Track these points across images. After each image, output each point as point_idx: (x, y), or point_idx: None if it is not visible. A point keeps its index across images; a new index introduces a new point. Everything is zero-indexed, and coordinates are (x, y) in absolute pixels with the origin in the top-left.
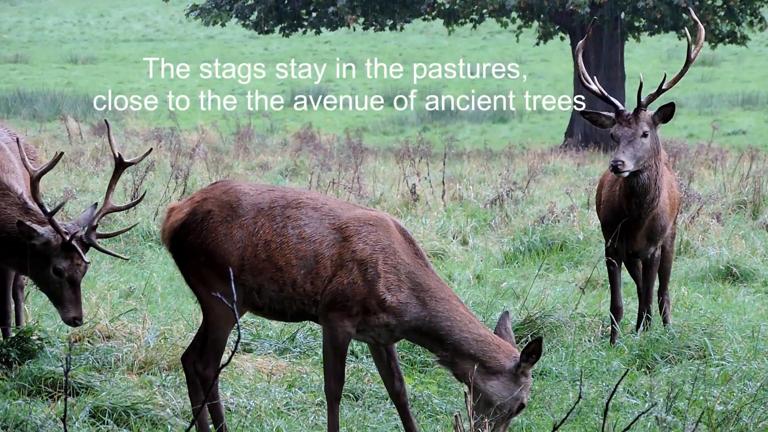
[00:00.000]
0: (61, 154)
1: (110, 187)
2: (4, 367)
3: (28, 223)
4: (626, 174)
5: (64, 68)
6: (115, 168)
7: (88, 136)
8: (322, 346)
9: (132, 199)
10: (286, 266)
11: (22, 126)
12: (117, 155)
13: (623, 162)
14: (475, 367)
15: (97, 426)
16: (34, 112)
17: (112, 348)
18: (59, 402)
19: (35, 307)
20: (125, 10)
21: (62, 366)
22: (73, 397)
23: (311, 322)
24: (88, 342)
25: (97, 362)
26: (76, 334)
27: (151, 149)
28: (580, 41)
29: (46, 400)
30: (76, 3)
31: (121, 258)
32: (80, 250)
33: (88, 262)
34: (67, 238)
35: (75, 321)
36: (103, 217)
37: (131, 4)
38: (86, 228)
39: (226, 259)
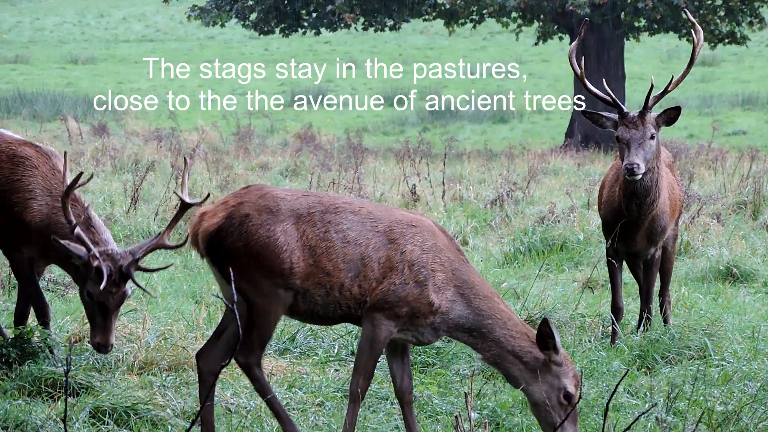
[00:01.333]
0: (80, 174)
1: (170, 226)
2: (4, 367)
3: (63, 242)
4: (639, 176)
5: (64, 68)
6: (179, 209)
7: (88, 137)
8: (359, 344)
9: (132, 200)
10: (333, 270)
11: (22, 126)
12: (181, 197)
13: (638, 165)
14: (519, 367)
15: (98, 426)
16: (34, 112)
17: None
18: (59, 402)
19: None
20: (125, 11)
21: (62, 366)
22: (74, 397)
23: (349, 324)
24: (89, 342)
25: (98, 362)
26: (77, 335)
27: (209, 194)
28: (573, 43)
29: (47, 400)
30: (76, 3)
31: (150, 294)
32: (105, 275)
33: (125, 292)
34: (95, 263)
35: (99, 347)
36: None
37: (131, 4)
38: (128, 258)
39: (273, 261)
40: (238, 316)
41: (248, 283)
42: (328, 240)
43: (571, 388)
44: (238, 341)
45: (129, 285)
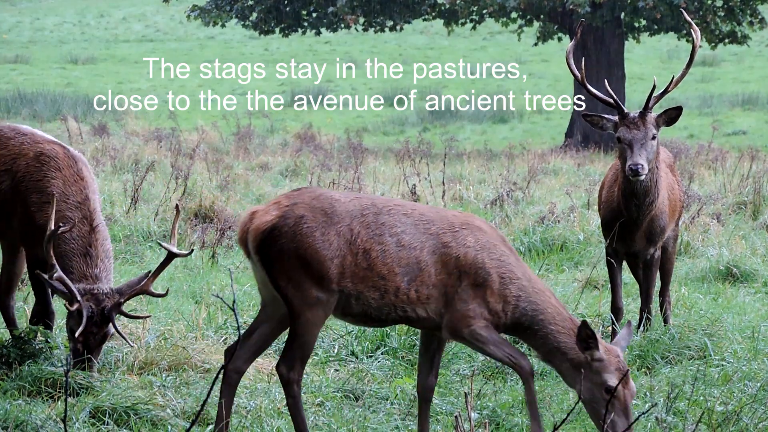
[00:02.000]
0: (59, 226)
1: (154, 274)
2: (4, 367)
3: (47, 281)
4: (644, 177)
5: (64, 68)
6: (165, 259)
7: (88, 137)
8: (480, 352)
9: (132, 200)
10: (388, 274)
11: None
12: (168, 249)
13: (642, 165)
14: (567, 365)
15: (98, 426)
16: (34, 112)
17: (113, 348)
18: (59, 402)
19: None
20: (125, 11)
21: (62, 366)
22: (74, 397)
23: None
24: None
25: (98, 363)
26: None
27: (192, 249)
28: (570, 44)
29: (47, 400)
30: (76, 3)
31: (128, 343)
32: (84, 320)
33: (107, 332)
34: (74, 305)
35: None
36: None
37: (131, 4)
38: (113, 298)
39: (324, 264)
40: (237, 316)
41: (295, 288)
42: (382, 243)
43: (612, 382)
44: (267, 343)
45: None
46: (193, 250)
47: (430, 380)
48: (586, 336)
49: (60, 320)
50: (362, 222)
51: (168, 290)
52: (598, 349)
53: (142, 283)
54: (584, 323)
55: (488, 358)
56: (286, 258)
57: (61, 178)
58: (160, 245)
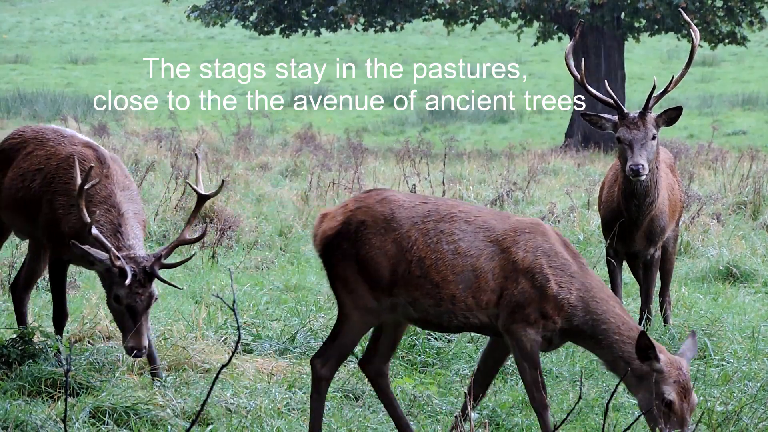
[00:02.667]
0: (90, 169)
1: (189, 221)
2: (4, 367)
3: (84, 247)
4: (644, 177)
5: (64, 68)
6: (197, 202)
7: (88, 137)
8: (515, 360)
9: None
10: (442, 282)
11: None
12: (196, 190)
13: (643, 165)
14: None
15: (98, 426)
16: (34, 112)
17: (113, 348)
18: (59, 402)
19: (35, 308)
20: (125, 11)
21: (63, 366)
22: (74, 397)
23: (445, 331)
24: (89, 342)
25: (98, 362)
26: (77, 335)
27: (223, 181)
28: (569, 44)
29: (47, 400)
30: (76, 3)
31: (176, 287)
32: (129, 273)
33: (152, 293)
34: (117, 262)
35: (133, 351)
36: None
37: (131, 4)
38: (152, 258)
39: (378, 271)
40: (237, 317)
41: (348, 291)
42: (438, 251)
43: (671, 396)
44: (397, 340)
45: (156, 286)
46: (224, 183)
47: (477, 390)
48: (644, 346)
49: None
50: (421, 229)
51: (205, 231)
52: (657, 360)
53: (179, 235)
54: (642, 333)
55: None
56: (345, 262)
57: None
58: (187, 183)
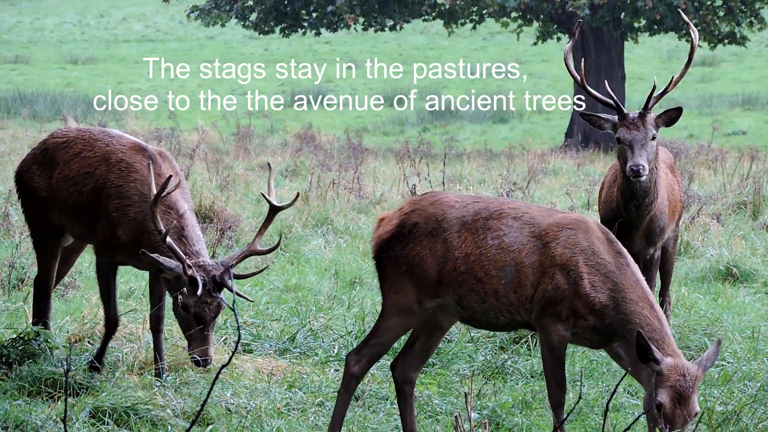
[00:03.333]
0: (169, 178)
1: (260, 232)
2: (4, 367)
3: (153, 255)
4: (645, 177)
5: (64, 68)
6: (269, 213)
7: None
8: (541, 353)
9: None
10: (485, 277)
11: (22, 126)
12: (270, 201)
13: (643, 166)
14: (644, 375)
15: (98, 426)
16: (34, 112)
17: (112, 348)
18: (59, 402)
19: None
20: (125, 11)
21: (62, 366)
22: (74, 397)
23: (476, 327)
24: (89, 342)
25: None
26: (77, 335)
27: (298, 194)
28: (567, 45)
29: (47, 400)
30: (76, 3)
31: (248, 299)
32: (200, 284)
33: (220, 303)
34: (189, 271)
35: (199, 362)
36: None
37: (131, 4)
38: (221, 268)
39: (426, 270)
40: (237, 317)
41: (395, 292)
42: (483, 247)
43: (661, 398)
44: (432, 348)
45: (223, 295)
46: (298, 195)
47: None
48: (641, 347)
49: (60, 320)
50: (471, 227)
51: (278, 243)
52: (657, 362)
53: (249, 246)
54: (639, 334)
55: (487, 360)
56: (396, 263)
57: (139, 180)
58: (263, 195)
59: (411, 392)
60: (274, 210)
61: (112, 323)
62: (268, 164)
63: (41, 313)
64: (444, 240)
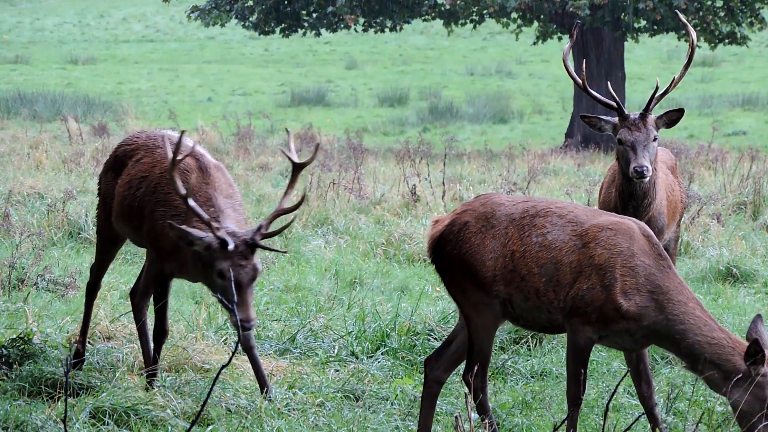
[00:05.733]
0: (183, 132)
1: (287, 191)
2: (4, 367)
3: (182, 227)
4: (648, 178)
5: (64, 69)
6: (292, 171)
7: (88, 137)
8: (566, 351)
9: None
10: (528, 275)
11: (22, 127)
12: (290, 158)
13: (647, 167)
14: (718, 375)
15: (98, 427)
16: (34, 112)
17: (113, 349)
18: (59, 403)
19: (35, 308)
20: (125, 11)
21: (63, 366)
22: (74, 397)
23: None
24: (89, 343)
25: (98, 363)
26: (77, 335)
27: (318, 145)
28: (566, 45)
29: (47, 400)
30: (76, 3)
31: (281, 252)
32: (231, 242)
33: (256, 266)
34: (218, 232)
35: (243, 324)
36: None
37: (131, 4)
38: (252, 231)
39: (480, 270)
40: (238, 317)
41: (462, 295)
42: (527, 244)
43: None
44: (466, 351)
45: (258, 260)
46: (318, 146)
47: (643, 388)
48: (754, 353)
49: (60, 320)
50: (518, 225)
51: (303, 198)
52: (764, 365)
53: (278, 206)
54: (755, 341)
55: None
56: (452, 264)
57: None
58: (282, 151)
59: (437, 392)
60: (297, 167)
61: (163, 335)
62: (287, 129)
63: (85, 317)
64: (493, 236)
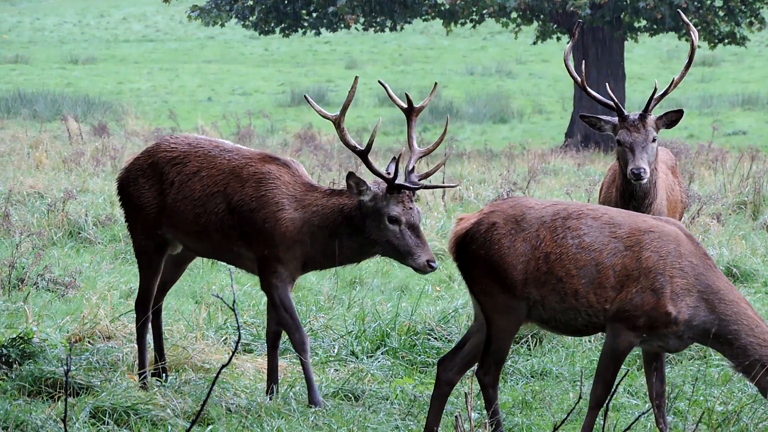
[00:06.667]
0: (356, 80)
1: (410, 135)
2: (4, 367)
3: (357, 175)
4: (646, 180)
5: (64, 68)
6: (408, 116)
7: (88, 137)
8: (601, 351)
9: None
10: (565, 276)
11: (22, 126)
12: (405, 105)
13: (645, 169)
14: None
15: (98, 426)
16: (34, 112)
17: (113, 348)
18: (59, 402)
19: (35, 308)
20: (125, 11)
21: (63, 366)
22: (74, 397)
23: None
24: (89, 342)
25: (98, 363)
26: (77, 335)
27: (436, 84)
28: (567, 45)
29: (47, 400)
30: (76, 3)
31: (451, 186)
32: (408, 188)
33: (418, 209)
34: (397, 181)
35: (429, 264)
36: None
37: (131, 4)
38: (404, 173)
39: (509, 272)
40: (237, 316)
41: (486, 295)
42: (563, 246)
43: None
44: (480, 354)
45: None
46: (436, 85)
47: (656, 386)
48: None
49: (59, 320)
50: (550, 227)
51: (444, 133)
52: None
53: (412, 149)
54: None
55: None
56: (477, 264)
57: (283, 185)
58: (394, 101)
59: (448, 393)
60: (413, 110)
61: (303, 344)
62: (380, 81)
63: (140, 335)
64: (524, 239)
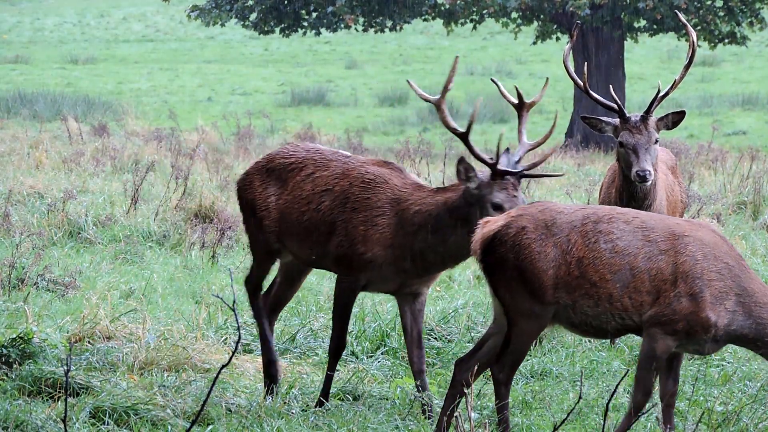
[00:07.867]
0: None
1: (520, 130)
2: (4, 367)
3: (465, 161)
4: (650, 182)
5: (64, 68)
6: (518, 111)
7: (88, 137)
8: (639, 356)
9: (132, 200)
10: (600, 281)
11: (22, 126)
12: (516, 101)
13: (649, 171)
14: None
15: (98, 426)
16: (34, 112)
17: (113, 348)
18: (59, 402)
19: (35, 308)
20: (125, 11)
21: (63, 366)
22: (74, 397)
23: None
24: (89, 342)
25: (98, 363)
26: (77, 335)
27: (547, 79)
28: (566, 46)
29: (47, 400)
30: (76, 3)
31: (557, 175)
32: (512, 173)
33: (522, 198)
34: (500, 168)
35: None
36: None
37: (131, 4)
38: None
39: (539, 277)
40: (237, 317)
41: (512, 298)
42: (596, 250)
43: None
44: (497, 354)
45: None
46: (548, 80)
47: (668, 385)
48: None
49: (59, 319)
50: (581, 231)
51: (551, 129)
52: None
53: (521, 142)
54: None
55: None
56: (505, 267)
57: (390, 189)
58: (505, 97)
59: (462, 394)
60: (524, 105)
61: (339, 349)
62: (492, 80)
63: (256, 315)
64: (555, 244)
